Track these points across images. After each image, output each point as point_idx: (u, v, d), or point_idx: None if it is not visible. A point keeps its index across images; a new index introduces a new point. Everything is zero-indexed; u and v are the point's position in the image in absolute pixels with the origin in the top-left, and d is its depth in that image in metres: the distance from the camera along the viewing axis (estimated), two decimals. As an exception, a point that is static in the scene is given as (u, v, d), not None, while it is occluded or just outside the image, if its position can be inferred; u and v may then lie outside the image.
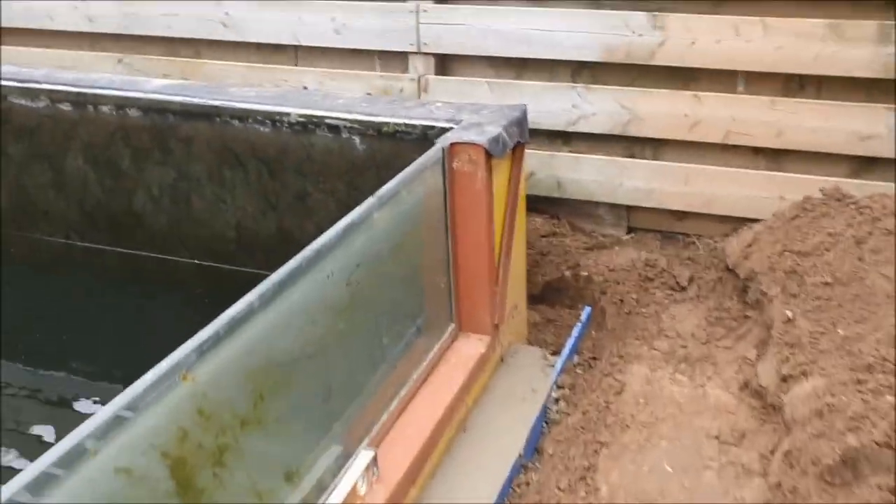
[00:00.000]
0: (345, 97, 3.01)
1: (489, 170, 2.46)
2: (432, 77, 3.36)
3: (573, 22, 3.08)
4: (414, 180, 2.34)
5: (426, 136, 2.77)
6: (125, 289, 3.44)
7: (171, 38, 3.71)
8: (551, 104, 3.23)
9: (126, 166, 3.31)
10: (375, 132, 2.85)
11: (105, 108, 3.16)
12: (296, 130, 2.97)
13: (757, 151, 3.05)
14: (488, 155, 2.41)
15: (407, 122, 2.80)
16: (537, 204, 3.40)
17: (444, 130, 2.70)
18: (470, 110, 2.78)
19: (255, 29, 3.54)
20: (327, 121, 2.90)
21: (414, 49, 3.33)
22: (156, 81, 3.22)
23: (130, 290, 3.44)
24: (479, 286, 2.56)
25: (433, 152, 2.42)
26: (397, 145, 2.84)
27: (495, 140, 2.45)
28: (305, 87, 3.57)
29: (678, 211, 3.20)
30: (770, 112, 2.94)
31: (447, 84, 3.35)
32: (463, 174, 2.45)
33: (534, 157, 3.31)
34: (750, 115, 2.98)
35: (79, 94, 3.17)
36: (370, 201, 2.13)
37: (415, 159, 2.49)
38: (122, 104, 3.18)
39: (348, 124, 2.88)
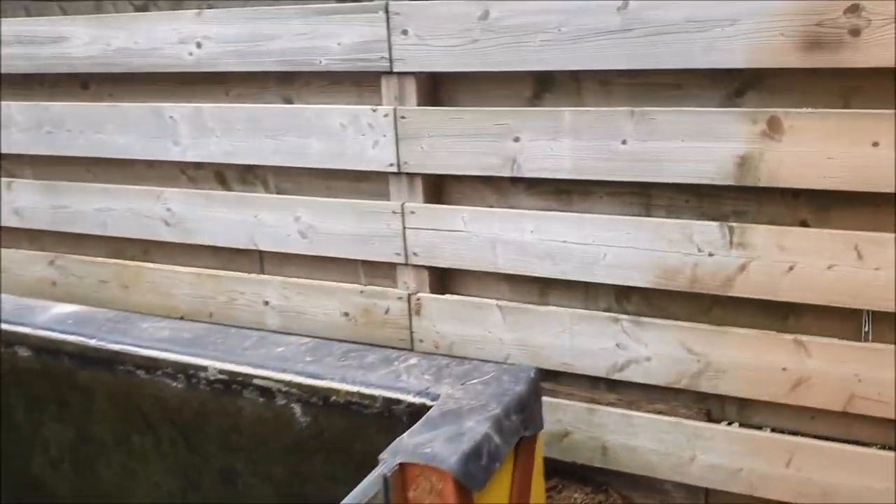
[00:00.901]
0: (288, 343, 2.14)
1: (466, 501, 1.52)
2: (427, 296, 2.49)
3: (615, 233, 2.19)
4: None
5: (391, 413, 1.87)
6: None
7: (112, 237, 2.97)
8: (587, 342, 2.30)
9: (21, 418, 2.50)
10: (321, 401, 1.96)
11: (-13, 344, 2.37)
12: (217, 390, 2.10)
13: (896, 424, 2.04)
14: (461, 487, 1.48)
15: (363, 389, 1.92)
16: (576, 470, 2.43)
17: (413, 409, 1.81)
18: (457, 375, 1.89)
19: (204, 229, 2.76)
20: (256, 381, 2.03)
21: (401, 260, 2.48)
22: (54, 310, 2.43)
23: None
24: None
25: (371, 482, 1.49)
26: (353, 421, 1.94)
27: (473, 457, 1.53)
28: (266, 303, 2.74)
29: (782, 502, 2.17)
30: (916, 371, 1.95)
31: (446, 306, 2.47)
32: (422, 517, 1.52)
33: (568, 410, 2.36)
34: (883, 372, 1.99)
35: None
36: None
37: (378, 442, 1.61)
38: (9, 340, 2.39)
39: (284, 387, 2.00)
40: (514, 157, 2.25)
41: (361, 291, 2.59)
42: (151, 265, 2.93)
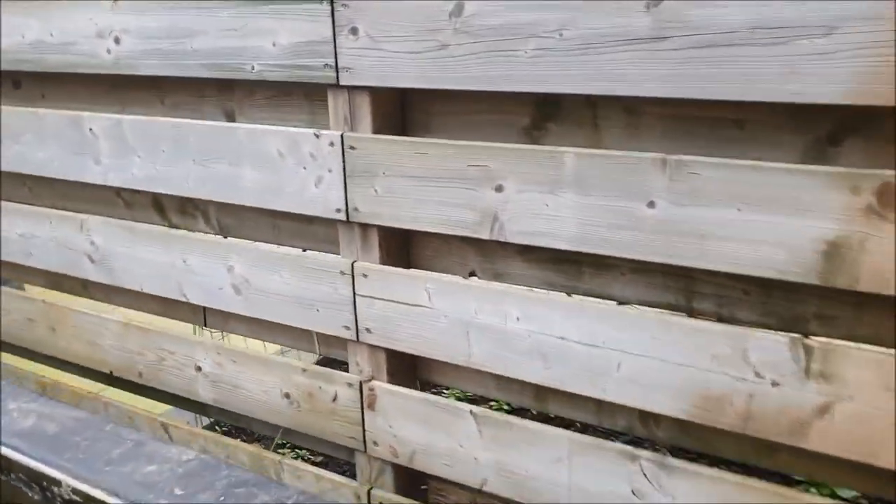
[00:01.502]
0: (166, 460, 1.57)
1: None
2: (382, 386, 1.85)
3: (634, 334, 1.49)
4: None
5: None
6: None
7: (41, 270, 2.44)
8: (592, 481, 1.61)
9: None
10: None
11: None
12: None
13: None
14: None
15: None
16: None
17: None
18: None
19: (129, 270, 2.20)
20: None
21: (351, 336, 1.85)
22: None
23: None
24: None
25: None
26: None
27: None
28: (199, 368, 2.15)
29: None
30: None
31: (407, 403, 1.82)
32: None
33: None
34: None
35: None
36: None
37: None
38: None
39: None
40: (494, 212, 1.58)
41: (304, 370, 1.97)
42: (78, 307, 2.39)
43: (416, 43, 1.57)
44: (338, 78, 1.69)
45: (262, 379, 2.04)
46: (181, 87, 2.07)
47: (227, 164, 1.91)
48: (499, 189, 1.56)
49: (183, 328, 2.28)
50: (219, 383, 2.13)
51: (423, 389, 1.87)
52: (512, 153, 1.54)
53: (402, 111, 1.75)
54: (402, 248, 1.81)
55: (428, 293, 1.71)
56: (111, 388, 2.40)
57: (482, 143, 1.57)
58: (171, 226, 2.20)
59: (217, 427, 2.83)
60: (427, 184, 1.64)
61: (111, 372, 2.36)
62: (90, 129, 2.13)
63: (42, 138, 2.24)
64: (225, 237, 2.09)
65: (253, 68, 1.81)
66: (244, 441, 2.26)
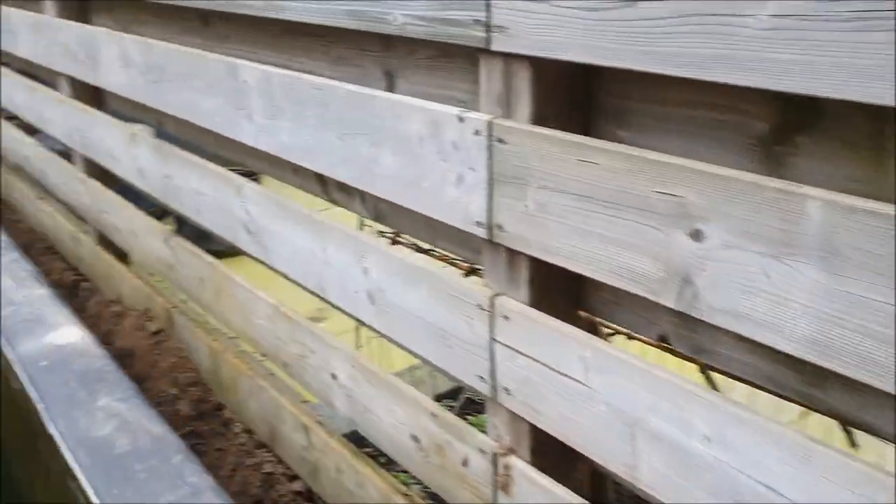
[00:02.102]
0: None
1: None
2: (522, 467, 1.34)
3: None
4: None
5: None
6: None
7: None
8: None
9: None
10: None
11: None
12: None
13: None
14: None
15: None
16: None
17: None
18: None
19: (278, 250, 1.88)
20: None
21: (486, 390, 1.36)
22: (46, 337, 1.76)
23: None
24: None
25: None
26: None
27: None
28: (334, 377, 1.80)
29: None
30: None
31: (546, 499, 1.31)
32: None
33: None
34: None
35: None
36: None
37: None
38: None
39: None
40: (686, 271, 1.00)
41: (434, 416, 1.53)
42: (237, 277, 2.15)
43: (593, -5, 1.01)
44: (489, 40, 1.18)
45: (393, 409, 1.64)
46: (344, 38, 1.67)
47: (367, 141, 1.49)
48: (696, 236, 0.98)
49: (329, 324, 1.94)
50: (352, 399, 1.77)
51: (579, 485, 1.36)
52: (721, 183, 0.94)
53: (585, 95, 1.19)
54: (566, 285, 1.28)
55: (584, 363, 1.17)
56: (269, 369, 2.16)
57: (677, 161, 0.99)
58: (331, 201, 1.85)
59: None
60: (592, 207, 1.09)
61: (264, 355, 2.11)
62: (245, 81, 1.83)
63: (209, 85, 1.98)
64: (373, 224, 1.70)
65: (396, 19, 1.35)
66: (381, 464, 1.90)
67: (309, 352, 1.89)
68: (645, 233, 1.03)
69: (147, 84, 2.27)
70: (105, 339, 2.95)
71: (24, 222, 4.01)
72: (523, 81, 1.17)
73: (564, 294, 1.29)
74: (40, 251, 3.77)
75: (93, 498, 1.30)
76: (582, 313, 1.29)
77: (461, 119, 1.26)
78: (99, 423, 1.45)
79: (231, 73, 1.86)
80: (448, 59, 1.42)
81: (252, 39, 1.97)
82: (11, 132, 3.78)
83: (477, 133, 1.24)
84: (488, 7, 1.16)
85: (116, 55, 2.40)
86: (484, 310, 1.32)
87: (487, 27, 1.17)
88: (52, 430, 1.45)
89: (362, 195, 1.74)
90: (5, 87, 3.61)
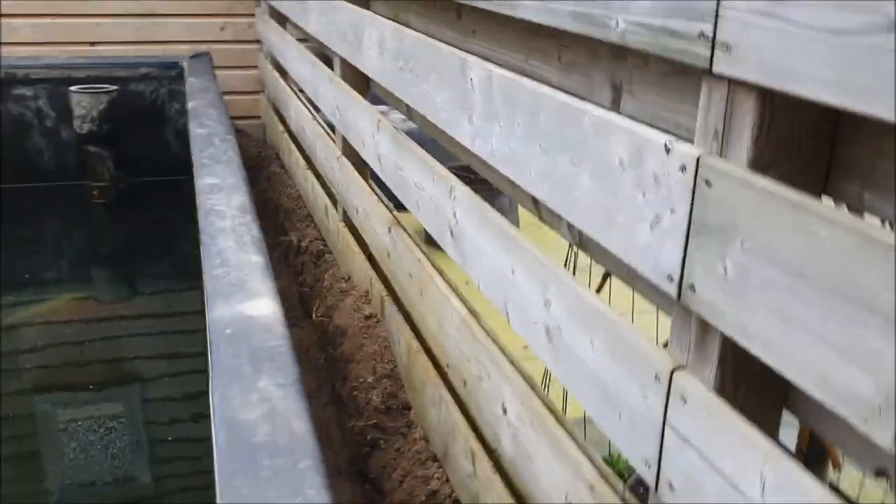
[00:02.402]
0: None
1: None
2: None
3: None
4: None
5: None
6: None
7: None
8: None
9: None
10: None
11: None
12: None
13: None
14: None
15: None
16: None
17: None
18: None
19: (475, 259, 1.75)
20: None
21: (650, 475, 1.13)
22: (246, 303, 1.79)
23: None
24: None
25: None
26: None
27: None
28: (505, 411, 1.64)
29: None
30: None
31: None
32: None
33: None
34: None
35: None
36: None
37: None
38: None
39: None
40: (914, 405, 0.71)
41: (592, 488, 1.31)
42: (437, 278, 2.06)
43: (839, 14, 0.75)
44: (711, 60, 0.95)
45: (552, 466, 1.45)
46: (576, 42, 1.50)
47: (568, 160, 1.31)
48: (937, 360, 0.69)
49: (517, 350, 1.78)
50: (517, 440, 1.60)
51: None
52: None
53: (824, 141, 0.92)
54: (765, 375, 1.01)
55: (762, 483, 0.91)
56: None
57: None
58: (540, 219, 1.69)
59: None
60: (803, 290, 0.83)
61: (447, 365, 2.01)
62: (471, 79, 1.71)
63: (441, 80, 1.90)
64: (577, 251, 1.52)
65: (617, 25, 1.15)
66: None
67: (485, 375, 1.75)
68: (864, 339, 0.75)
69: (395, 72, 2.26)
70: (327, 313, 3.04)
71: (293, 188, 4.30)
72: (746, 115, 0.93)
73: (762, 386, 1.02)
74: (301, 217, 4.00)
75: (217, 480, 1.27)
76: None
77: (668, 149, 1.04)
78: (250, 405, 1.42)
79: (460, 70, 1.76)
80: (679, 78, 1.19)
81: (495, 36, 1.86)
82: (296, 102, 4.05)
83: (682, 169, 1.01)
84: (717, 17, 0.93)
85: (376, 40, 2.42)
86: (660, 380, 1.09)
87: (712, 43, 0.94)
88: (211, 400, 1.45)
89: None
90: (295, 59, 3.86)
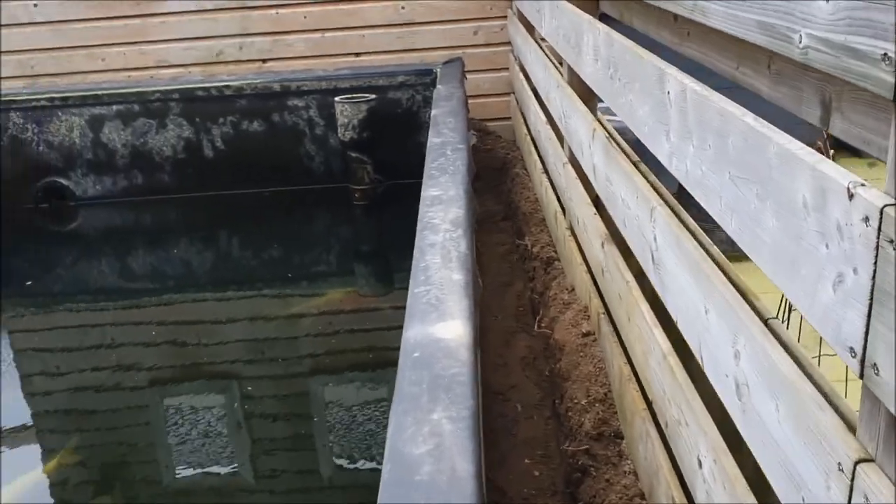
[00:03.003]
0: None
1: None
2: None
3: None
4: None
5: None
6: None
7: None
8: None
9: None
10: None
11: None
12: None
13: None
14: None
15: None
16: None
17: None
18: None
19: (672, 290, 1.57)
20: None
21: None
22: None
23: None
24: None
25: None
26: None
27: None
28: (700, 464, 1.46)
29: None
30: None
31: None
32: None
33: None
34: None
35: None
36: None
37: None
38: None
39: None
40: None
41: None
42: (642, 305, 1.90)
43: None
44: (896, 86, 0.75)
45: (741, 535, 1.26)
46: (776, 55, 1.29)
47: (755, 193, 1.12)
48: None
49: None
50: (711, 500, 1.42)
51: None
52: None
53: None
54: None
55: None
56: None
57: None
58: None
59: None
60: None
61: (652, 401, 1.85)
62: (668, 92, 1.55)
63: (642, 91, 1.74)
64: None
65: (800, 40, 0.96)
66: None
67: (684, 421, 1.58)
68: None
69: (604, 80, 2.13)
70: (549, 325, 2.97)
71: (532, 191, 4.26)
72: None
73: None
74: (536, 221, 3.96)
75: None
76: None
77: (850, 194, 0.84)
78: (419, 439, 1.40)
79: (659, 81, 1.60)
80: (887, 102, 0.97)
81: (706, 39, 1.67)
82: (534, 104, 4.01)
83: (866, 221, 0.81)
84: (902, 34, 0.73)
85: (591, 45, 2.30)
86: (844, 473, 0.90)
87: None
88: (389, 427, 1.46)
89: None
90: (533, 62, 3.81)
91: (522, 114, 4.68)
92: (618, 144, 2.27)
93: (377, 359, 3.87)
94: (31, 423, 3.48)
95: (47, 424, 3.52)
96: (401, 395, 1.57)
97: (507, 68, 5.43)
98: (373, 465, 3.01)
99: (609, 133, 2.33)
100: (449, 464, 1.37)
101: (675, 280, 1.55)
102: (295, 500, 3.01)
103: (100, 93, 5.36)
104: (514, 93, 5.24)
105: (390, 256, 5.23)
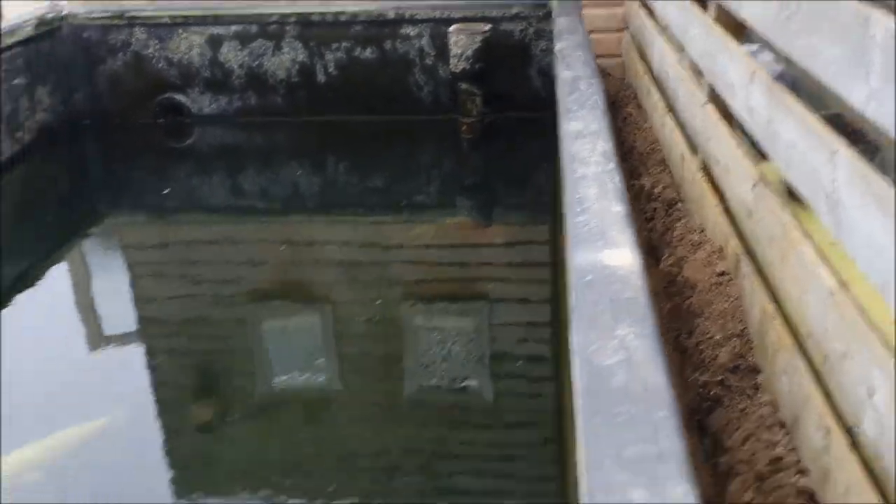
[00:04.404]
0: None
1: None
2: None
3: None
4: None
5: None
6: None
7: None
8: None
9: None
10: None
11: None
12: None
13: None
14: None
15: None
16: None
17: None
18: None
19: (856, 238, 1.62)
20: None
21: None
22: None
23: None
24: None
25: None
26: None
27: None
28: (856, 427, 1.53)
29: None
30: None
31: None
32: None
33: None
34: None
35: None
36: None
37: None
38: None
39: None
40: None
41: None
42: (802, 243, 1.94)
43: None
44: None
45: (925, 463, 1.34)
46: None
47: None
48: None
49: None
50: (883, 428, 1.50)
51: None
52: None
53: None
54: None
55: None
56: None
57: None
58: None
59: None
60: None
61: (808, 335, 1.91)
62: (872, 36, 1.57)
63: (834, 32, 1.76)
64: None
65: None
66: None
67: (851, 354, 1.64)
68: None
69: (778, 21, 2.13)
70: (677, 263, 3.03)
71: (649, 131, 4.27)
72: None
73: None
74: (655, 162, 3.98)
75: (578, 418, 1.37)
76: None
77: None
78: (608, 351, 1.51)
79: (861, 24, 1.62)
80: None
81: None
82: (660, 42, 3.98)
83: None
84: None
85: (759, -15, 2.30)
86: None
87: None
88: (571, 341, 1.57)
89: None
90: (662, 3, 3.78)
91: (640, 52, 4.65)
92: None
93: (469, 289, 4.00)
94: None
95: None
96: (581, 313, 1.67)
97: (621, 4, 5.36)
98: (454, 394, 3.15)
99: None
100: (642, 374, 1.47)
101: (858, 223, 1.60)
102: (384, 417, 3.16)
103: (220, 13, 5.50)
104: (628, 29, 5.19)
105: (494, 190, 5.31)
